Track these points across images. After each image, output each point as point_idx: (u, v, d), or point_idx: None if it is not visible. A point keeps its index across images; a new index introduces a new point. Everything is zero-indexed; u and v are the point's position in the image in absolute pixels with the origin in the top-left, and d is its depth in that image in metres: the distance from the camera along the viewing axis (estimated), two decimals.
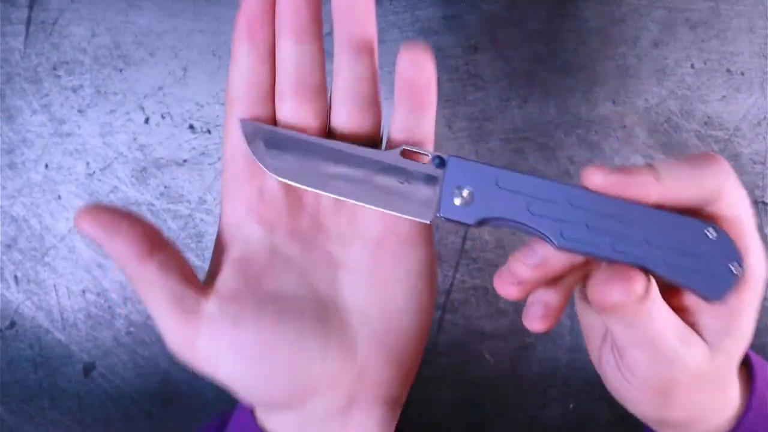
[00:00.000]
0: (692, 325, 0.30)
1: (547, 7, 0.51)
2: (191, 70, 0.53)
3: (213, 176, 0.53)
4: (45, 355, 0.54)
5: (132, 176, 0.53)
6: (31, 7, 0.52)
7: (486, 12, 0.51)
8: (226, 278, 0.31)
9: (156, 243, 0.29)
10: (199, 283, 0.31)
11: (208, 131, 0.53)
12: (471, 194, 0.29)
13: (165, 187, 0.53)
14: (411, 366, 0.34)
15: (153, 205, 0.53)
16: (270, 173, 0.31)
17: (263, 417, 0.34)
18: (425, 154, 0.30)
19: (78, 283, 0.54)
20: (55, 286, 0.54)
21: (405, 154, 0.30)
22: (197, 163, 0.53)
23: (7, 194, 0.53)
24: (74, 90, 0.52)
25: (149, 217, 0.53)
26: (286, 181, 0.31)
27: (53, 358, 0.54)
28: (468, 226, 0.30)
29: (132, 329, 0.54)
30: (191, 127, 0.53)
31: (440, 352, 0.54)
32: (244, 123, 0.31)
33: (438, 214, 0.30)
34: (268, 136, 0.31)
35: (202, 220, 0.53)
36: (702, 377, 0.30)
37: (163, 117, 0.53)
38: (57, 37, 0.52)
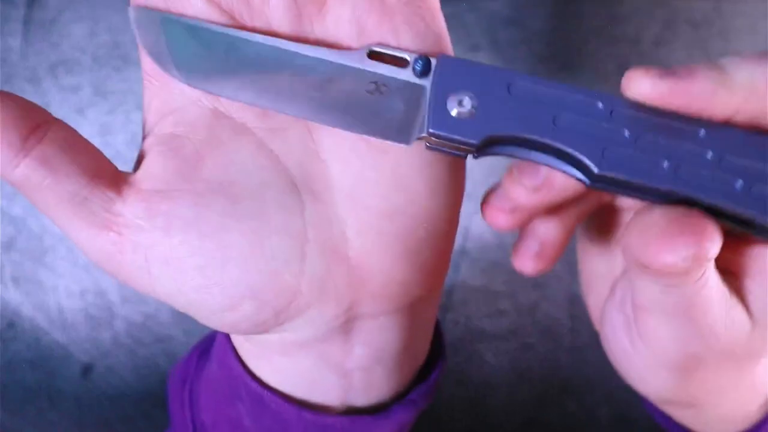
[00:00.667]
0: (736, 291, 0.23)
1: (548, 6, 0.51)
2: None
3: None
4: (44, 356, 0.54)
5: None
6: (29, 6, 0.52)
7: (486, 11, 0.51)
8: (151, 167, 0.23)
9: (36, 128, 0.21)
10: (114, 176, 0.22)
11: None
12: (473, 103, 0.21)
13: None
14: (435, 261, 0.25)
15: None
16: (178, 79, 0.22)
17: (240, 343, 0.27)
18: (402, 57, 0.22)
19: (77, 283, 0.54)
20: (53, 286, 0.54)
21: (373, 56, 0.22)
22: None
23: (6, 194, 0.53)
24: (73, 90, 0.52)
25: None
26: (203, 89, 0.23)
27: (52, 358, 0.54)
28: (469, 149, 0.21)
29: (131, 330, 0.54)
30: None
31: None
32: (136, 11, 0.22)
33: (428, 131, 0.21)
34: (172, 28, 0.22)
35: None
36: (733, 355, 0.24)
37: None
38: (56, 37, 0.52)
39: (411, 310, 0.26)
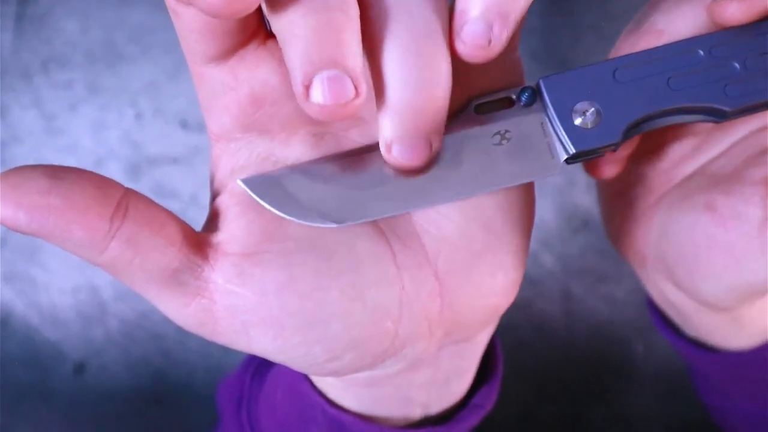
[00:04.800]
0: None
1: (543, 3, 0.51)
2: (184, 66, 0.52)
3: (205, 173, 0.53)
4: (36, 354, 0.54)
5: (124, 173, 0.52)
6: (21, 2, 0.52)
7: None
8: (234, 229, 0.22)
9: (114, 206, 0.19)
10: (195, 237, 0.22)
11: (201, 128, 0.52)
12: (595, 107, 0.22)
13: (157, 184, 0.53)
14: (513, 287, 0.26)
15: None
16: (329, 224, 0.22)
17: (319, 377, 0.27)
18: (506, 97, 0.22)
19: (69, 281, 0.53)
20: (45, 284, 0.54)
21: (480, 108, 0.22)
22: (189, 160, 0.53)
23: None
24: (65, 86, 0.52)
25: None
26: (355, 221, 0.22)
27: (44, 356, 0.54)
28: (614, 147, 0.22)
29: (124, 327, 0.54)
30: (183, 123, 0.53)
31: None
32: (247, 182, 0.22)
33: (570, 152, 0.22)
34: (291, 182, 0.22)
35: (194, 218, 0.53)
36: None
37: (155, 114, 0.52)
38: (48, 33, 0.52)
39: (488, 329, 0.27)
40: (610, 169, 0.26)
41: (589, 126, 0.22)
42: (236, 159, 0.23)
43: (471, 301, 0.24)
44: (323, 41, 0.18)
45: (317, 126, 0.23)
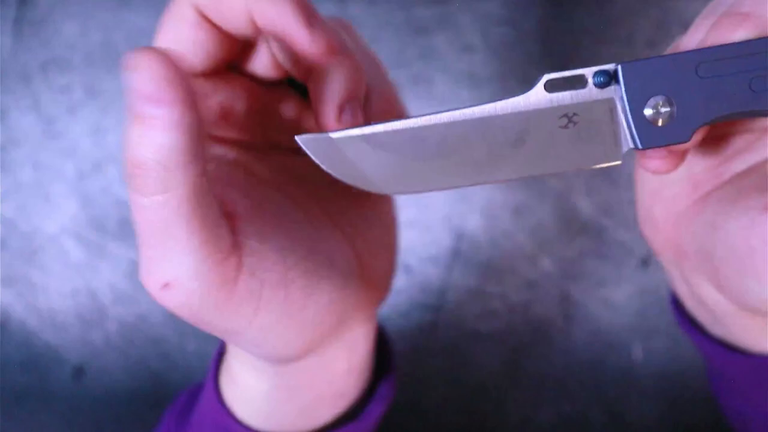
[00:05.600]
0: None
1: (541, 6, 0.51)
2: None
3: None
4: (35, 358, 0.54)
5: (122, 177, 0.52)
6: (20, 5, 0.52)
7: (480, 11, 0.51)
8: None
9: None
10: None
11: None
12: (670, 103, 0.21)
13: None
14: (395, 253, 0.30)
15: None
16: (380, 192, 0.22)
17: (233, 394, 0.29)
18: (580, 75, 0.21)
19: (68, 284, 0.53)
20: (44, 287, 0.53)
21: (550, 85, 0.22)
22: None
23: None
24: (64, 89, 0.52)
25: None
26: (409, 192, 0.22)
27: (43, 360, 0.54)
28: (681, 144, 0.22)
29: (123, 331, 0.54)
30: None
31: (434, 353, 0.53)
32: (306, 141, 0.22)
33: (637, 146, 0.21)
34: (349, 145, 0.22)
35: None
36: None
37: None
38: (47, 35, 0.52)
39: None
40: (669, 164, 0.25)
41: (660, 123, 0.21)
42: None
43: (387, 271, 0.29)
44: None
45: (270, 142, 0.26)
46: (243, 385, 0.29)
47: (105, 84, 0.52)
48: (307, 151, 0.22)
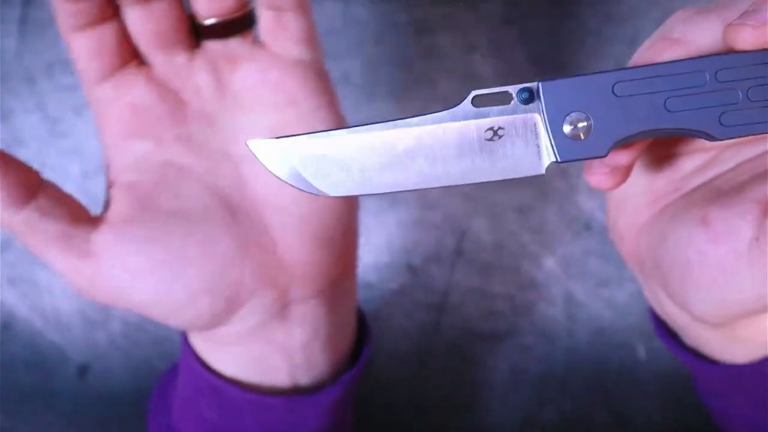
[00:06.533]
0: None
1: (545, 6, 0.51)
2: None
3: None
4: (39, 357, 0.54)
5: None
6: (25, 6, 0.52)
7: (483, 11, 0.51)
8: (116, 206, 0.30)
9: (33, 186, 0.27)
10: (89, 218, 0.29)
11: None
12: (587, 119, 0.22)
13: None
14: (345, 246, 0.32)
15: None
16: (326, 195, 0.24)
17: (199, 344, 0.33)
18: (504, 92, 0.23)
19: None
20: (49, 287, 0.54)
21: (477, 101, 0.23)
22: None
23: None
24: (69, 89, 0.52)
25: None
26: (351, 194, 0.24)
27: (48, 359, 0.54)
28: (598, 158, 0.23)
29: (127, 331, 0.54)
30: None
31: (437, 353, 0.53)
32: (255, 144, 0.24)
33: (556, 159, 0.23)
34: (298, 151, 0.24)
35: None
36: None
37: None
38: (52, 36, 0.52)
39: (333, 294, 0.33)
40: (610, 180, 0.26)
41: (579, 137, 0.22)
42: (125, 158, 0.30)
43: (303, 256, 0.31)
44: None
45: (184, 133, 0.30)
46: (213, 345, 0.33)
47: None
48: (256, 155, 0.24)
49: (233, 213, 0.30)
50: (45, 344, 0.54)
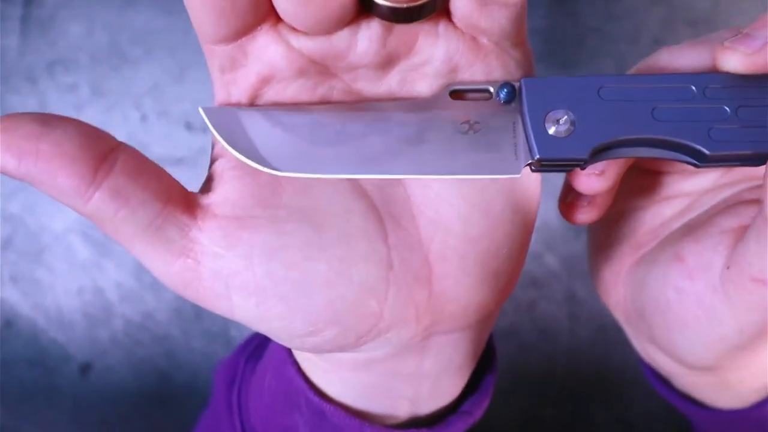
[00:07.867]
0: None
1: (547, 4, 0.51)
2: (188, 68, 0.52)
3: None
4: (42, 355, 0.54)
5: None
6: (26, 5, 0.52)
7: None
8: (227, 192, 0.22)
9: (101, 156, 0.20)
10: (185, 195, 0.22)
11: (205, 130, 0.53)
12: (570, 118, 0.21)
13: None
14: (509, 278, 0.25)
15: None
16: (272, 170, 0.21)
17: (305, 356, 0.27)
18: (483, 88, 0.21)
19: (74, 282, 0.53)
20: (51, 285, 0.54)
21: (455, 95, 0.22)
22: (194, 161, 0.53)
23: (3, 193, 0.53)
24: (70, 88, 0.52)
25: None
26: (300, 175, 0.21)
27: (50, 357, 0.54)
28: (578, 164, 0.21)
29: (129, 329, 0.54)
30: (188, 125, 0.53)
31: None
32: (208, 111, 0.22)
33: (534, 156, 0.21)
34: (251, 120, 0.21)
35: None
36: None
37: (159, 115, 0.53)
38: (53, 35, 0.52)
39: (479, 326, 0.26)
40: (587, 214, 0.25)
41: (560, 135, 0.21)
42: None
43: (462, 290, 0.24)
44: None
45: (320, 104, 0.22)
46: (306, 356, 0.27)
47: (111, 83, 0.52)
48: (208, 122, 0.21)
49: (381, 223, 0.23)
50: (47, 342, 0.54)
